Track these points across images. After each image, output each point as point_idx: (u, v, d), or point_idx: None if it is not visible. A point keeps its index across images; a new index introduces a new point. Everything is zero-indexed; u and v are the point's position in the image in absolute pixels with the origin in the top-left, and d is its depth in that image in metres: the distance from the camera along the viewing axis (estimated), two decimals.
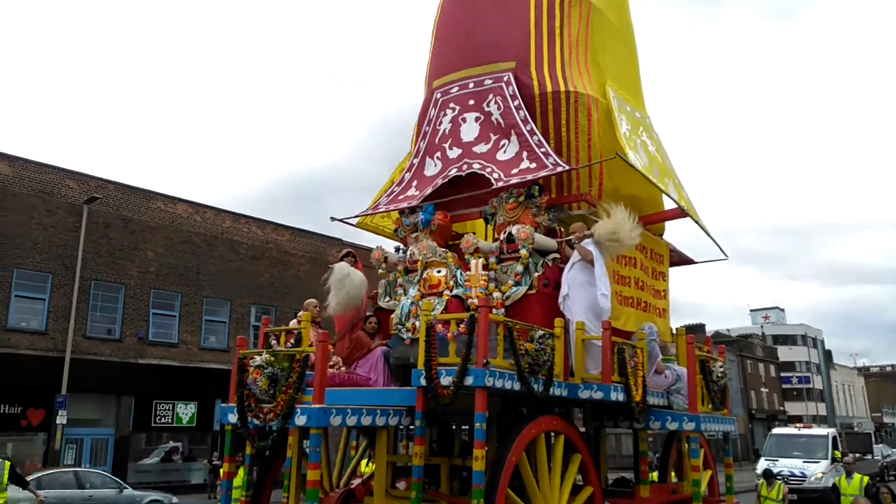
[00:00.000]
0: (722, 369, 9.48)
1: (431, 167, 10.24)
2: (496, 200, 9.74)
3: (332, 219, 10.81)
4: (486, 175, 9.50)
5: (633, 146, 9.89)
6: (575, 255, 9.03)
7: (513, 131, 9.68)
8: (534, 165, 9.25)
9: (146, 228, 30.09)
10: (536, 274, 9.08)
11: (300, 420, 7.21)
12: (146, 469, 29.80)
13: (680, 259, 11.90)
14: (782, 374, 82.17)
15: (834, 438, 28.01)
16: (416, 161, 10.47)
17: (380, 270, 10.06)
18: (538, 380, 8.05)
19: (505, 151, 9.74)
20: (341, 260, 10.02)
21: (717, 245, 10.99)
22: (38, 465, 25.61)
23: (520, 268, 9.18)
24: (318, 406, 7.17)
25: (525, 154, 9.44)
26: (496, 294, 9.11)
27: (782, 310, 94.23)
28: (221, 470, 8.18)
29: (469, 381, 7.43)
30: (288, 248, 35.37)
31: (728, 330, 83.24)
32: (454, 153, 10.11)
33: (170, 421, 30.11)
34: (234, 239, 33.08)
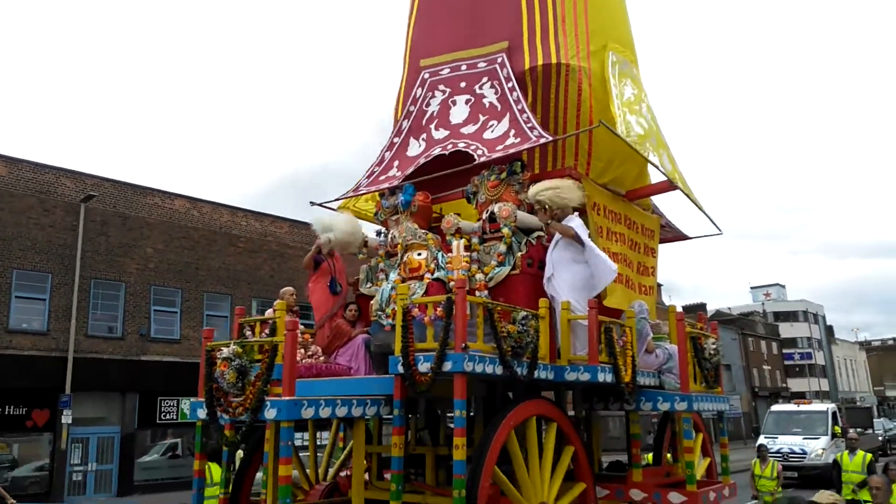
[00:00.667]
0: (714, 346, 8.97)
1: (415, 147, 9.72)
2: (478, 178, 9.24)
3: (312, 203, 10.30)
4: (470, 152, 9.00)
5: (638, 112, 9.37)
6: (558, 234, 8.54)
7: (507, 114, 9.19)
8: (518, 140, 8.75)
9: (144, 225, 29.62)
10: (520, 253, 8.59)
11: (270, 413, 6.73)
12: (153, 466, 29.42)
13: (674, 235, 11.39)
14: (784, 351, 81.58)
15: (834, 414, 27.37)
16: (397, 140, 9.95)
17: (360, 256, 9.57)
18: (522, 363, 7.57)
19: (493, 131, 9.23)
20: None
21: (711, 220, 10.47)
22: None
23: (503, 247, 8.68)
24: (287, 398, 6.68)
25: (512, 132, 8.95)
26: (479, 276, 8.62)
27: (783, 286, 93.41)
28: (195, 466, 7.72)
29: (447, 366, 6.96)
30: (286, 241, 34.90)
31: (729, 308, 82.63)
32: (440, 134, 9.60)
33: (174, 417, 29.70)
34: (233, 233, 32.63)
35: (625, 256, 9.56)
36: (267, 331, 8.14)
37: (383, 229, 9.69)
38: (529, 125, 8.79)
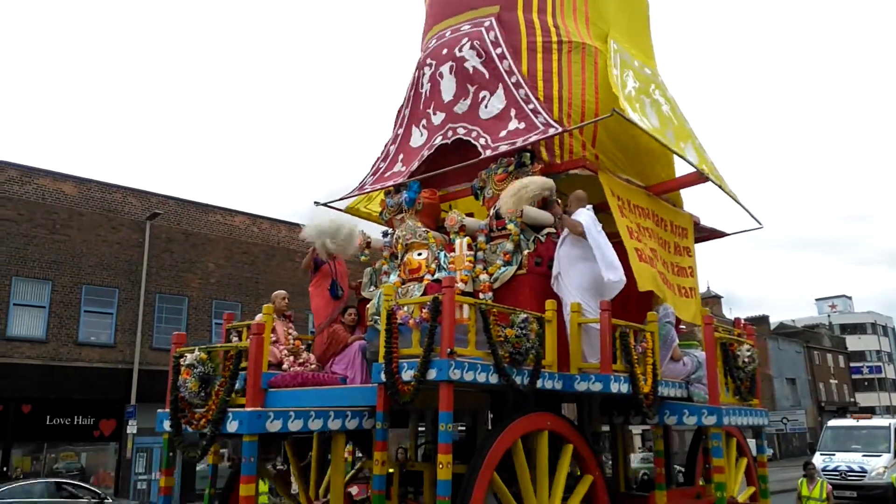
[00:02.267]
0: (749, 353, 7.68)
1: (417, 137, 8.74)
2: (485, 172, 8.20)
3: (316, 203, 9.37)
4: (473, 141, 7.96)
5: (642, 106, 8.22)
6: (566, 229, 7.43)
7: (500, 84, 8.08)
8: (522, 126, 7.67)
9: (206, 241, 29.39)
10: (527, 252, 7.50)
11: (231, 426, 5.79)
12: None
13: (710, 233, 10.09)
14: (852, 365, 77.18)
15: None
16: (400, 131, 8.98)
17: (362, 257, 8.60)
18: (522, 371, 6.47)
19: (486, 106, 8.16)
20: None
21: (749, 212, 9.16)
22: None
23: (509, 246, 7.62)
24: (250, 409, 5.74)
25: (513, 112, 7.86)
26: (483, 276, 7.57)
27: (849, 298, 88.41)
28: (161, 483, 6.81)
29: (432, 374, 5.93)
30: None
31: (793, 321, 78.73)
32: (438, 118, 8.59)
33: None
34: (291, 247, 32.13)
35: (657, 254, 8.37)
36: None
37: (390, 230, 8.73)
38: (531, 107, 7.71)
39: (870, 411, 59.53)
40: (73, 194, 26.71)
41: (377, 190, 8.76)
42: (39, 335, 25.43)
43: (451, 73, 8.53)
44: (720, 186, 8.46)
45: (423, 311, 6.17)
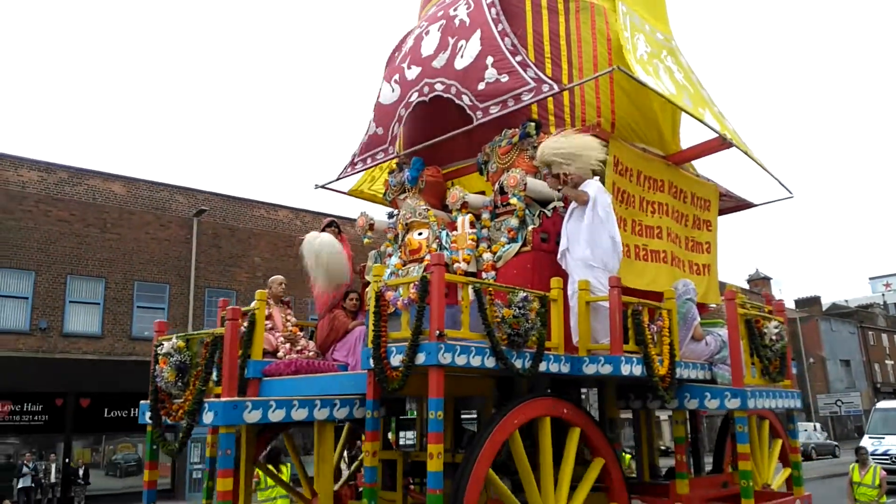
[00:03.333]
0: (777, 330, 6.87)
1: (388, 93, 7.97)
2: (489, 146, 7.55)
3: (317, 186, 8.82)
4: (455, 99, 7.25)
5: (655, 71, 7.47)
6: (574, 203, 6.74)
7: (478, 29, 7.30)
8: (506, 79, 6.91)
9: (251, 235, 29.30)
10: (531, 227, 6.84)
11: (207, 417, 5.29)
12: None
13: (736, 204, 9.27)
14: None
15: None
16: (381, 95, 8.22)
17: (365, 240, 8.02)
18: (522, 354, 5.83)
19: (462, 56, 7.36)
20: (325, 228, 8.12)
21: (777, 180, 8.32)
22: None
23: (514, 222, 6.97)
24: (225, 399, 5.22)
25: (490, 60, 7.07)
26: (486, 255, 6.93)
27: None
28: (145, 477, 6.34)
29: (420, 358, 5.33)
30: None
31: (846, 301, 75.76)
32: (413, 73, 7.78)
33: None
34: None
35: (668, 230, 7.62)
36: (245, 324, 6.73)
37: (395, 211, 8.14)
38: (519, 59, 6.96)
39: None
40: (123, 193, 26.84)
41: (369, 167, 8.09)
42: (95, 331, 25.63)
43: (438, 30, 7.81)
44: (746, 153, 7.67)
45: (412, 291, 5.58)
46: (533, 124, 7.24)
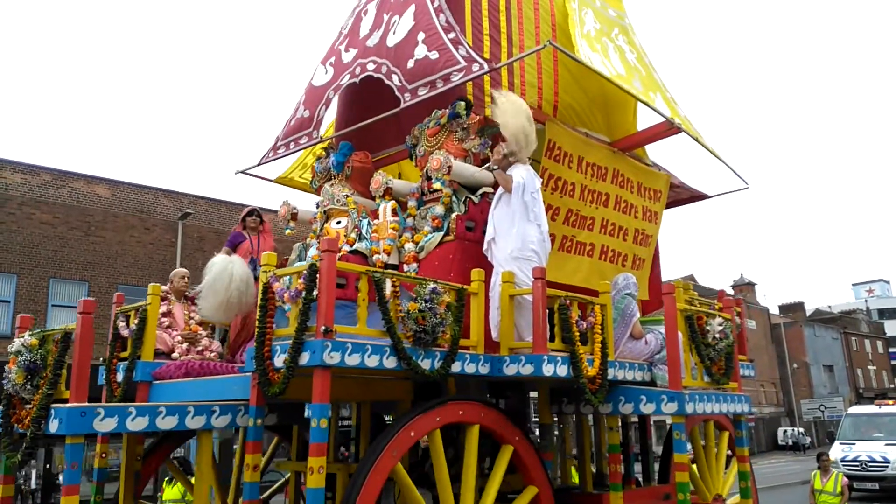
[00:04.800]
0: (721, 328, 6.01)
1: (321, 75, 7.16)
2: (417, 128, 6.73)
3: (237, 172, 7.96)
4: (383, 77, 6.44)
5: (603, 49, 6.65)
6: (501, 189, 5.91)
7: (413, 5, 6.52)
8: (436, 56, 6.09)
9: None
10: (455, 215, 6.00)
11: (52, 425, 4.43)
12: None
13: (690, 195, 8.44)
14: (891, 350, 72.70)
15: None
16: (314, 77, 7.43)
17: (287, 231, 7.19)
18: (431, 353, 4.99)
19: (394, 32, 6.58)
20: (245, 218, 7.29)
21: (732, 169, 7.49)
22: None
23: (439, 209, 6.12)
24: (71, 406, 4.37)
25: (421, 36, 6.26)
26: (408, 245, 6.10)
27: (887, 282, 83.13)
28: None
29: (304, 358, 4.49)
30: None
31: (829, 306, 74.58)
32: (349, 55, 6.98)
33: None
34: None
35: (609, 222, 6.80)
36: (136, 321, 5.88)
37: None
38: (452, 37, 6.13)
39: None
40: (107, 196, 26.04)
41: (292, 152, 7.23)
42: None
43: (375, 7, 7.02)
44: (696, 139, 6.84)
45: (300, 281, 4.74)
46: (463, 104, 6.41)
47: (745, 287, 58.05)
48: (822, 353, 60.18)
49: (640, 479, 7.82)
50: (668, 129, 6.71)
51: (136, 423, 4.54)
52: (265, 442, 5.71)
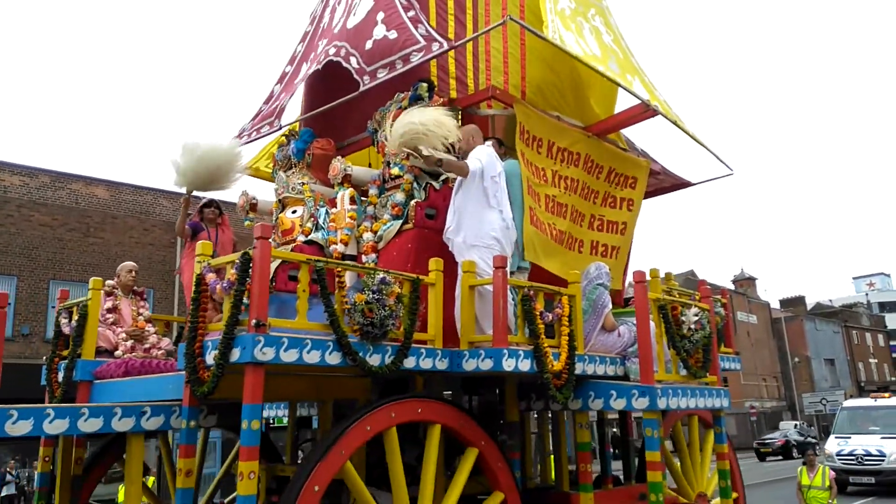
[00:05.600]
0: (697, 318, 5.53)
1: (293, 65, 6.80)
2: (379, 112, 6.28)
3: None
4: (342, 61, 6.00)
5: (578, 29, 6.17)
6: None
7: None
8: (394, 36, 5.65)
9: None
10: (414, 202, 5.55)
11: None
12: None
13: (673, 183, 7.96)
14: (892, 343, 71.76)
15: None
16: (289, 69, 7.02)
17: (246, 223, 6.74)
18: (382, 348, 4.54)
19: (355, 13, 6.15)
20: (202, 209, 6.87)
21: (714, 154, 7.01)
22: None
23: (400, 196, 5.68)
24: None
25: (381, 16, 5.83)
26: (366, 235, 5.65)
27: (888, 275, 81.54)
28: None
29: (235, 354, 4.05)
30: None
31: (830, 300, 73.66)
32: (321, 45, 6.62)
33: None
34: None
35: (576, 210, 6.34)
36: (77, 317, 5.45)
37: None
38: (411, 14, 5.69)
39: None
40: (106, 198, 25.70)
41: (253, 140, 6.77)
42: None
43: None
44: (675, 123, 6.36)
45: (233, 271, 4.30)
46: (425, 85, 5.96)
47: (745, 282, 57.37)
48: (824, 347, 59.46)
49: (622, 477, 7.36)
50: (643, 111, 6.24)
51: (55, 426, 4.11)
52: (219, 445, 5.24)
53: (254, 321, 4.02)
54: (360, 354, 4.40)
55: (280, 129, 6.52)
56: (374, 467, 5.48)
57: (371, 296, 4.42)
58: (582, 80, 6.76)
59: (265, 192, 7.02)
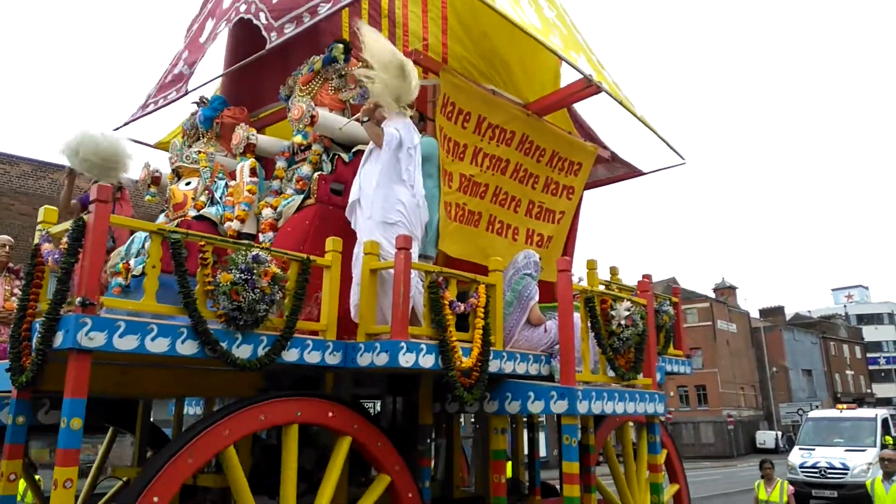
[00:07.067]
0: (628, 313, 4.74)
1: (208, 31, 6.00)
2: (292, 76, 5.50)
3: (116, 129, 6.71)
4: (252, 18, 5.22)
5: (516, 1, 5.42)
6: (372, 143, 4.66)
7: None
8: None
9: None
10: (317, 174, 4.77)
11: None
12: None
13: (626, 171, 7.21)
14: (869, 356, 70.94)
15: (885, 421, 18.75)
16: (194, 28, 6.23)
17: (148, 197, 5.91)
18: (253, 338, 3.75)
19: None
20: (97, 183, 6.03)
21: (665, 141, 6.26)
22: None
23: (306, 169, 4.91)
24: None
25: None
26: (266, 211, 4.87)
27: (866, 288, 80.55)
28: None
29: (58, 339, 3.26)
30: None
31: (809, 311, 72.85)
32: (228, 1, 5.83)
33: None
34: None
35: (502, 190, 5.58)
36: None
37: None
38: None
39: (887, 402, 54.08)
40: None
41: (160, 108, 5.96)
42: None
43: None
44: (621, 103, 5.61)
45: (65, 241, 3.51)
46: (341, 46, 5.18)
47: (726, 290, 56.68)
48: (802, 358, 58.79)
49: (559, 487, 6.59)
50: (585, 86, 5.48)
51: None
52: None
53: (79, 299, 3.23)
54: (223, 344, 3.61)
55: (187, 93, 5.72)
56: (266, 475, 4.72)
57: (239, 276, 3.63)
58: (520, 54, 6.02)
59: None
